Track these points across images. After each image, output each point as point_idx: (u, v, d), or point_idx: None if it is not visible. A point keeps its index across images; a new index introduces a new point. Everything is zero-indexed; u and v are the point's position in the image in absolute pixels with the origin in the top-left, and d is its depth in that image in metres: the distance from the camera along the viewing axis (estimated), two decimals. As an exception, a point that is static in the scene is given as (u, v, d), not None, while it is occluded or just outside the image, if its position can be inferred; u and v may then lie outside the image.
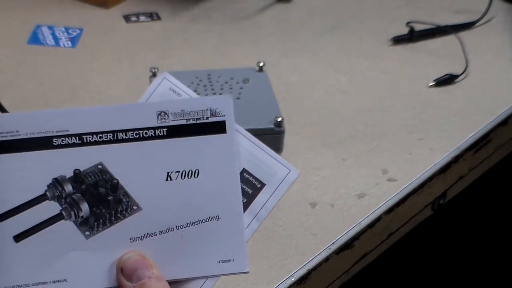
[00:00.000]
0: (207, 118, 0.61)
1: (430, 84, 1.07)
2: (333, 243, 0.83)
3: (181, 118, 0.61)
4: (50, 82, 1.06)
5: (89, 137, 0.60)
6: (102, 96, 1.03)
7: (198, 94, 0.90)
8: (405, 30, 1.16)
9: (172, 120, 0.61)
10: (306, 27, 1.19)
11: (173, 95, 0.64)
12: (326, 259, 0.81)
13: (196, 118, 0.61)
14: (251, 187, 0.62)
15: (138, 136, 0.60)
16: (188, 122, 0.61)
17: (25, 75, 1.07)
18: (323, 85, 1.07)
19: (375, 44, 1.15)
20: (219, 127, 0.61)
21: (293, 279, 0.79)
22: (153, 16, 1.20)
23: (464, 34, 1.17)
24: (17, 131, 0.59)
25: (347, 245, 0.84)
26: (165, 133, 0.61)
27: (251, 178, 0.62)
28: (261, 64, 0.93)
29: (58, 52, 1.12)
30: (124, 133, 0.60)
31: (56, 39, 1.14)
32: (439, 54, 1.13)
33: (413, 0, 1.26)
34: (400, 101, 1.04)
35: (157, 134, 0.61)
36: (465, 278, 1.34)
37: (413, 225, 0.94)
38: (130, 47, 1.14)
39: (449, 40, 1.16)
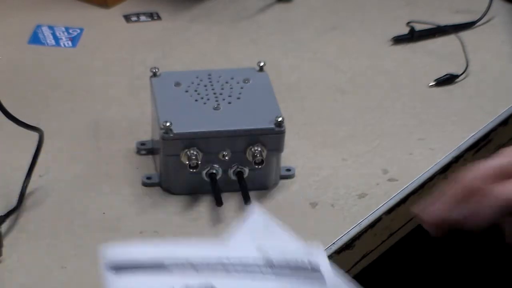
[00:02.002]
0: (306, 267, 0.66)
1: (430, 84, 1.07)
2: (333, 243, 0.83)
3: (284, 264, 0.66)
4: (50, 82, 1.06)
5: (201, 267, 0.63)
6: (102, 96, 1.03)
7: (198, 94, 0.90)
8: (405, 30, 1.16)
9: (276, 263, 0.65)
10: (306, 27, 1.19)
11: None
12: (327, 259, 0.81)
13: (296, 266, 0.66)
14: None
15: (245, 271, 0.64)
16: (289, 265, 0.65)
17: (25, 75, 1.07)
18: (323, 85, 1.07)
19: (375, 44, 1.15)
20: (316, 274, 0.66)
21: (293, 279, 0.79)
22: (153, 16, 1.20)
23: (465, 34, 1.16)
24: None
25: (348, 245, 0.84)
26: (270, 272, 0.65)
27: None
28: (261, 64, 0.93)
29: (58, 52, 1.12)
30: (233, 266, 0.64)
31: (56, 39, 1.13)
32: (439, 54, 1.13)
33: (413, 0, 1.26)
34: (400, 101, 1.04)
35: (262, 271, 0.64)
36: (465, 278, 1.34)
37: (414, 225, 0.94)
38: (131, 47, 1.14)
39: (450, 40, 1.16)
